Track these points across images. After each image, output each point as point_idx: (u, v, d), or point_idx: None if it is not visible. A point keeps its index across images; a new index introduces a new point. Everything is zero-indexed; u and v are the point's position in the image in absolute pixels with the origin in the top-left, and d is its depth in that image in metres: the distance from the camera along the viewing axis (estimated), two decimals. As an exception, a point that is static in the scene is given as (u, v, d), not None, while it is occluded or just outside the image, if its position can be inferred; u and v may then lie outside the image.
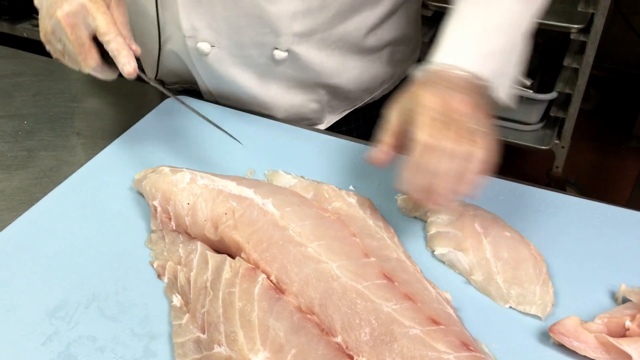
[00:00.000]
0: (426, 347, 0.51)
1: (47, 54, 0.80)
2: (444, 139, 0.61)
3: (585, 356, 0.56)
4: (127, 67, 0.72)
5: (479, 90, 0.65)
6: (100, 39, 0.72)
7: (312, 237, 0.60)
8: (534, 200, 0.74)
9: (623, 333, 0.57)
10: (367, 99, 0.99)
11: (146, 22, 0.89)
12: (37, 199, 0.74)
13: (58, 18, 0.71)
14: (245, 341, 0.53)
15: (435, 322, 0.53)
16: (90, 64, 0.73)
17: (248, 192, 0.65)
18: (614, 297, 0.62)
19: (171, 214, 0.67)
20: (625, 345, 0.54)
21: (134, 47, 0.74)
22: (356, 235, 0.62)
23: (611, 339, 0.55)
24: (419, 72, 0.67)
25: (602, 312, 0.59)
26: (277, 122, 0.89)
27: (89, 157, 0.81)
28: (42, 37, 0.75)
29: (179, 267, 0.63)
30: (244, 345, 0.53)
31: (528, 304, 0.61)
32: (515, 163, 2.29)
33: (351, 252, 0.59)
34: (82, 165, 0.80)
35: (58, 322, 0.60)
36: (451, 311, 0.56)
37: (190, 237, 0.66)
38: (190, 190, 0.66)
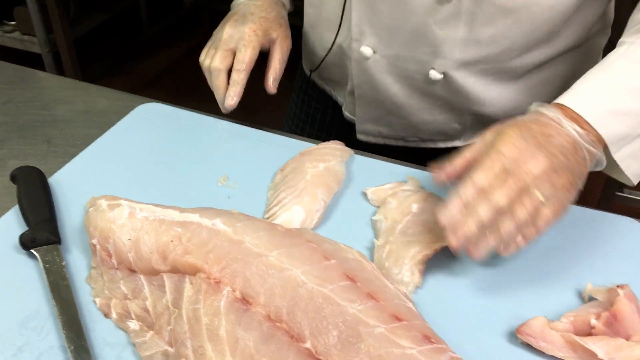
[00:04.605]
0: (391, 344, 0.52)
1: (17, 61, 0.79)
2: (497, 189, 0.59)
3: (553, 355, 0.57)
4: (229, 100, 0.84)
5: (580, 155, 0.62)
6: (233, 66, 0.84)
7: (270, 246, 0.60)
8: (503, 202, 0.75)
9: (589, 331, 0.58)
10: None
11: (328, 23, 0.95)
12: (7, 209, 0.73)
13: (222, 36, 0.86)
14: (214, 354, 0.53)
15: (398, 319, 0.54)
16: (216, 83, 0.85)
17: (193, 217, 0.64)
18: (580, 296, 0.64)
19: (111, 251, 0.64)
20: (590, 343, 0.55)
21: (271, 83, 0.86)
22: (312, 241, 0.62)
23: (577, 338, 0.56)
24: (532, 108, 0.66)
25: (568, 310, 0.60)
26: (245, 127, 0.89)
27: (60, 166, 0.80)
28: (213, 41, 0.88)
29: (127, 301, 0.61)
30: (212, 358, 0.53)
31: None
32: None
33: (312, 257, 0.59)
34: (52, 173, 0.79)
35: (29, 332, 0.59)
36: (411, 305, 0.58)
37: (130, 272, 0.63)
38: (130, 226, 0.64)
